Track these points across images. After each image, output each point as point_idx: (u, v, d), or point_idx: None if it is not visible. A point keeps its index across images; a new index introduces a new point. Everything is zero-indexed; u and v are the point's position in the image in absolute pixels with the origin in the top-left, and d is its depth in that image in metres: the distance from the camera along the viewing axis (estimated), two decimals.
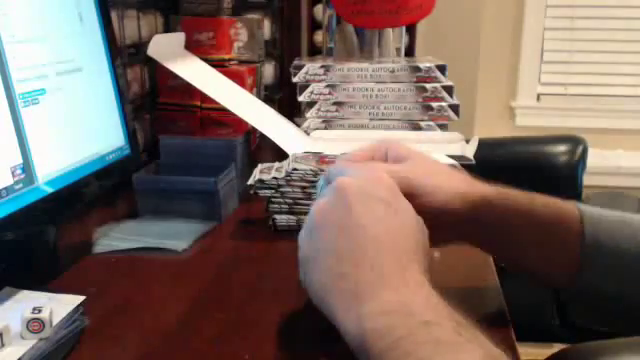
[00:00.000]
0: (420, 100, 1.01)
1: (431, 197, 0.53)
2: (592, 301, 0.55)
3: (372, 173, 0.48)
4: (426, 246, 0.46)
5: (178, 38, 1.08)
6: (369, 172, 0.49)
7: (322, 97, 1.02)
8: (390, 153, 0.57)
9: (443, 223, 0.53)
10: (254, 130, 1.09)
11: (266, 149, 1.14)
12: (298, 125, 1.03)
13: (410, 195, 0.50)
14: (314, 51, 1.77)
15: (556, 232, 0.54)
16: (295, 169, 0.78)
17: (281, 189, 0.78)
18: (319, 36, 1.75)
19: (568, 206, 0.55)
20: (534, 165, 2.05)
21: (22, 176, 0.58)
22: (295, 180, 0.78)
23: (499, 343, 0.55)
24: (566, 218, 0.54)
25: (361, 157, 0.56)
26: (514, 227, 0.55)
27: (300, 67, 1.01)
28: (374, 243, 0.43)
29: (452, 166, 0.59)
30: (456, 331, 0.38)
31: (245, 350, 0.53)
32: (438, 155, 0.85)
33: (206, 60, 1.07)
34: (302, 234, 0.47)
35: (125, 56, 1.00)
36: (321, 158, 0.81)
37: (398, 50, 1.27)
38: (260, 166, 0.84)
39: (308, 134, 1.00)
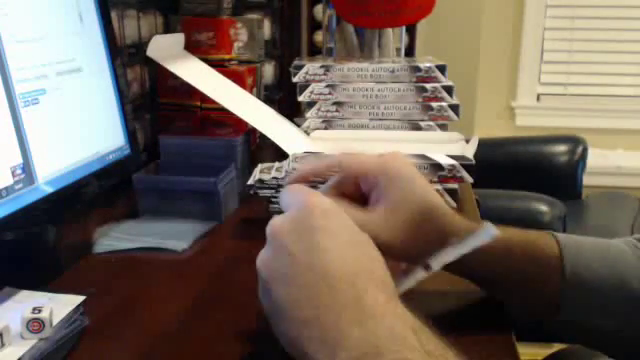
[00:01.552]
0: (420, 100, 1.01)
1: (399, 254, 0.51)
2: (577, 331, 0.56)
3: (300, 202, 0.43)
4: (379, 258, 0.42)
5: (177, 39, 1.08)
6: (298, 202, 0.44)
7: (322, 97, 1.02)
8: (363, 186, 0.53)
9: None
10: (254, 130, 1.09)
11: (266, 149, 1.14)
12: (298, 125, 1.03)
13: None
14: (314, 51, 1.77)
15: (535, 273, 0.54)
16: (295, 169, 0.78)
17: (281, 189, 0.78)
18: (319, 36, 1.75)
19: (545, 240, 0.55)
20: (534, 165, 2.05)
21: (22, 176, 0.58)
22: None
23: (499, 343, 0.55)
24: (544, 255, 0.54)
25: (330, 193, 0.52)
26: (490, 274, 0.55)
27: (300, 67, 1.01)
28: (325, 279, 0.39)
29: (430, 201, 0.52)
30: None
31: (245, 350, 0.53)
32: (437, 155, 0.85)
33: (206, 60, 1.07)
34: (259, 293, 0.44)
35: (125, 56, 1.00)
36: (321, 157, 0.81)
37: (398, 50, 1.27)
38: (260, 166, 0.84)
39: (308, 134, 1.00)
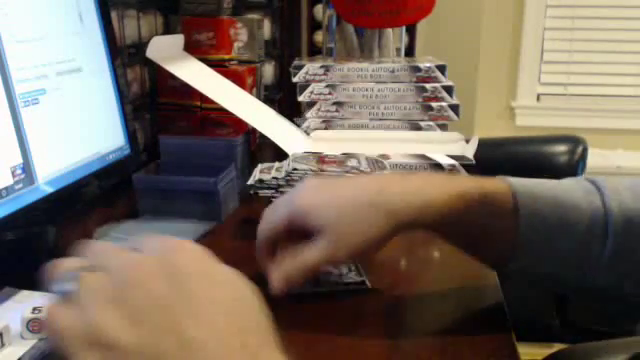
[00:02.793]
0: (420, 100, 1.01)
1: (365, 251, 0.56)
2: (529, 278, 0.58)
3: (164, 242, 0.36)
4: (263, 312, 0.35)
5: (177, 40, 1.08)
6: (158, 242, 0.36)
7: (322, 97, 1.02)
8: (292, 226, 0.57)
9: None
10: (254, 130, 1.09)
11: (266, 149, 1.14)
12: (298, 125, 1.03)
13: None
14: (314, 51, 1.77)
15: (491, 227, 0.55)
16: (295, 169, 0.78)
17: (281, 189, 0.78)
18: (319, 36, 1.75)
19: (501, 192, 0.55)
20: (534, 165, 2.05)
21: (22, 176, 0.58)
22: (295, 180, 0.78)
23: (499, 343, 0.55)
24: (501, 209, 0.55)
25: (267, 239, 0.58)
26: (449, 228, 0.57)
27: (300, 67, 1.01)
28: (207, 332, 0.32)
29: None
30: None
31: None
32: (438, 155, 0.85)
33: (206, 60, 1.07)
34: None
35: (125, 56, 1.00)
36: (321, 158, 0.81)
37: (398, 50, 1.28)
38: (260, 166, 0.84)
39: (308, 134, 1.00)
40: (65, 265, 0.37)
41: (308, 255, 0.55)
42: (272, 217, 0.58)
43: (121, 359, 0.31)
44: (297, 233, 0.57)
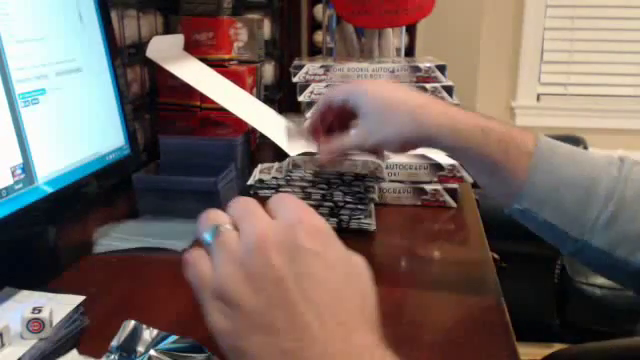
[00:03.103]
0: None
1: (386, 149, 0.70)
2: (529, 221, 0.60)
3: (292, 215, 0.39)
4: (371, 294, 0.39)
5: (177, 40, 1.08)
6: (289, 212, 0.39)
7: None
8: (345, 104, 0.68)
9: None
10: (254, 130, 1.09)
11: (266, 149, 1.14)
12: None
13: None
14: (314, 51, 1.77)
15: (503, 164, 0.59)
16: (293, 170, 0.78)
17: (281, 189, 0.78)
18: (319, 36, 1.76)
19: (524, 138, 0.59)
20: None
21: (22, 176, 0.58)
22: (295, 180, 0.78)
23: (499, 343, 0.55)
24: (517, 151, 0.59)
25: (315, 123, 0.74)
26: (464, 154, 0.63)
27: (300, 67, 1.01)
28: (317, 313, 0.35)
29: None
30: None
31: None
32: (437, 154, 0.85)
33: (206, 60, 1.07)
34: (207, 312, 0.38)
35: (125, 56, 1.00)
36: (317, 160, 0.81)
37: (398, 50, 1.28)
38: (260, 166, 0.84)
39: None
40: (213, 216, 0.41)
41: (347, 138, 0.70)
42: (333, 91, 0.73)
43: (239, 318, 0.36)
44: (345, 117, 0.70)
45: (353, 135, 0.69)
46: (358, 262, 0.39)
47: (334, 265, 0.37)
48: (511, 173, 0.59)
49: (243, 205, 0.41)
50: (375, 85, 0.69)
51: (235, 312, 0.37)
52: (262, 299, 0.36)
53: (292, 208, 0.39)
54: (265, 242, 0.37)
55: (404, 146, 0.66)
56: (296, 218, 0.38)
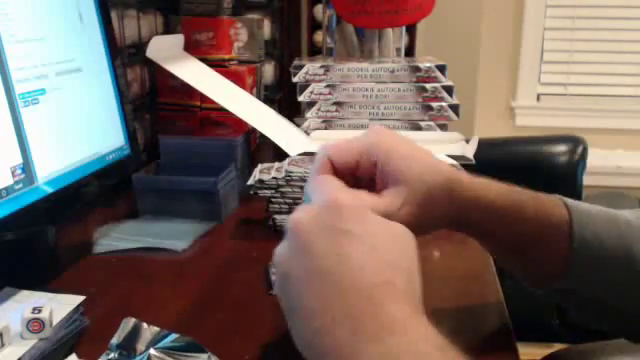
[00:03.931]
0: (420, 100, 1.01)
1: (414, 231, 0.47)
2: (575, 302, 0.54)
3: (327, 198, 0.41)
4: (408, 266, 0.39)
5: (177, 40, 1.08)
6: (324, 196, 0.41)
7: (322, 97, 1.02)
8: (363, 164, 0.50)
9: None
10: (254, 130, 1.09)
11: (266, 149, 1.14)
12: (298, 125, 1.03)
13: None
14: (314, 51, 1.77)
15: (544, 236, 0.52)
16: (291, 171, 0.78)
17: (281, 189, 0.78)
18: (319, 36, 1.75)
19: (555, 205, 0.53)
20: (534, 165, 2.05)
21: (22, 176, 0.58)
22: (295, 180, 0.78)
23: (499, 343, 0.55)
24: (555, 219, 0.52)
25: (344, 163, 0.50)
26: (497, 232, 0.53)
27: (300, 67, 1.01)
28: (340, 289, 0.36)
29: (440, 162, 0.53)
30: None
31: (245, 350, 0.53)
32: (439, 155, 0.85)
33: (206, 60, 1.07)
34: (276, 286, 0.41)
35: (125, 56, 1.00)
36: None
37: (398, 50, 1.27)
38: (260, 166, 0.84)
39: (308, 134, 1.00)
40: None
41: (374, 199, 0.48)
42: (347, 144, 0.52)
43: (292, 284, 0.38)
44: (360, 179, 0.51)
45: (380, 201, 0.48)
46: (397, 235, 0.40)
47: (363, 240, 0.38)
48: (552, 245, 0.52)
49: (313, 185, 0.44)
50: (391, 139, 0.52)
51: (289, 281, 0.39)
52: (299, 279, 0.38)
53: (324, 189, 0.42)
54: (301, 225, 0.39)
55: (436, 227, 0.52)
56: (329, 199, 0.40)
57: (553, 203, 0.54)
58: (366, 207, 0.41)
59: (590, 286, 0.52)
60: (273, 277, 0.62)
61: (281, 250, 0.40)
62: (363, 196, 0.46)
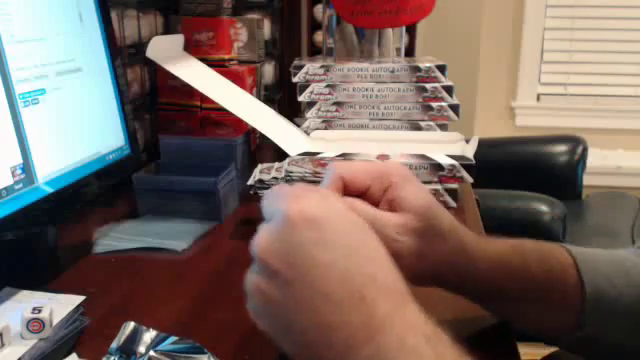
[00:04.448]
0: (420, 100, 1.01)
1: (415, 262, 0.47)
2: (592, 350, 0.52)
3: (281, 213, 0.38)
4: (382, 255, 0.38)
5: (177, 40, 1.08)
6: (278, 212, 0.39)
7: (322, 97, 1.02)
8: (375, 185, 0.48)
9: (419, 280, 0.47)
10: (254, 130, 1.09)
11: (266, 149, 1.14)
12: (298, 125, 1.03)
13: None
14: (314, 51, 1.77)
15: (553, 286, 0.50)
16: (290, 172, 0.78)
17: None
18: (319, 36, 1.75)
19: (560, 253, 0.52)
20: (534, 165, 2.05)
21: (22, 176, 0.58)
22: (295, 180, 0.78)
23: (499, 343, 0.55)
24: (561, 270, 0.51)
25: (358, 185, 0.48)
26: (505, 289, 0.51)
27: (300, 67, 1.01)
28: (331, 300, 0.36)
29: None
30: None
31: (245, 350, 0.53)
32: (438, 155, 0.85)
33: (206, 60, 1.07)
34: (252, 314, 0.40)
35: (125, 56, 1.00)
36: (317, 160, 0.81)
37: (398, 50, 1.28)
38: (260, 166, 0.84)
39: (308, 134, 1.00)
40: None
41: (379, 213, 0.47)
42: (362, 164, 0.50)
43: (276, 309, 0.38)
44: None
45: (391, 216, 0.47)
46: (357, 227, 0.39)
47: (332, 243, 0.37)
48: (562, 295, 0.50)
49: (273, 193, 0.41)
50: (414, 181, 0.49)
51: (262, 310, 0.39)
52: (282, 304, 0.37)
53: (277, 203, 0.39)
54: (265, 251, 0.38)
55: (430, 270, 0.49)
56: (282, 214, 0.38)
57: (556, 249, 0.52)
58: (323, 204, 0.39)
59: (610, 333, 0.50)
60: None
61: (253, 279, 0.39)
62: (373, 211, 0.46)
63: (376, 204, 0.48)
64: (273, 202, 0.40)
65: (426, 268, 0.48)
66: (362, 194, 0.48)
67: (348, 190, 0.48)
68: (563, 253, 0.52)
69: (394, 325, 0.35)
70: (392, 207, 0.47)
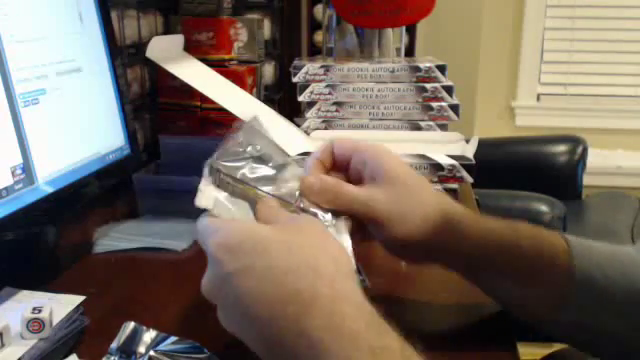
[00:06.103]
0: (420, 100, 1.01)
1: (397, 227, 0.50)
2: (577, 332, 0.53)
3: (208, 250, 0.42)
4: (327, 262, 0.40)
5: (177, 40, 1.08)
6: (207, 250, 0.42)
7: (322, 97, 1.02)
8: (354, 158, 0.52)
9: (410, 250, 0.52)
10: None
11: None
12: (298, 125, 1.03)
13: (373, 224, 0.51)
14: (314, 51, 1.77)
15: (542, 268, 0.51)
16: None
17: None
18: (319, 36, 1.75)
19: (554, 238, 0.53)
20: (534, 165, 2.05)
21: (22, 176, 0.58)
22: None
23: (499, 343, 0.55)
24: (553, 252, 0.51)
25: (315, 164, 0.53)
26: (495, 262, 0.52)
27: (300, 67, 1.01)
28: (268, 319, 0.39)
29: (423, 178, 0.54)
30: None
31: (245, 350, 0.53)
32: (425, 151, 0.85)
33: (206, 60, 1.07)
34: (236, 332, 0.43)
35: (125, 56, 1.00)
36: None
37: (398, 50, 1.28)
38: None
39: (308, 134, 1.00)
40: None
41: (351, 187, 0.51)
42: (342, 141, 0.54)
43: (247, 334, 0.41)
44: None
45: (363, 190, 0.51)
46: (269, 237, 0.41)
47: (250, 266, 0.39)
48: (550, 276, 0.51)
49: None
50: (391, 153, 0.53)
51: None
52: (241, 330, 0.41)
53: (204, 240, 0.43)
54: (209, 292, 0.43)
55: (414, 239, 0.51)
56: (208, 251, 0.42)
57: (552, 236, 0.53)
58: (235, 228, 0.42)
59: (594, 318, 0.51)
60: None
61: (221, 317, 0.42)
62: (342, 184, 0.51)
63: (360, 178, 0.52)
64: (202, 240, 0.43)
65: (410, 234, 0.50)
66: (347, 164, 0.53)
67: (337, 161, 0.53)
68: (559, 238, 0.53)
69: (333, 314, 0.37)
70: (371, 178, 0.51)
